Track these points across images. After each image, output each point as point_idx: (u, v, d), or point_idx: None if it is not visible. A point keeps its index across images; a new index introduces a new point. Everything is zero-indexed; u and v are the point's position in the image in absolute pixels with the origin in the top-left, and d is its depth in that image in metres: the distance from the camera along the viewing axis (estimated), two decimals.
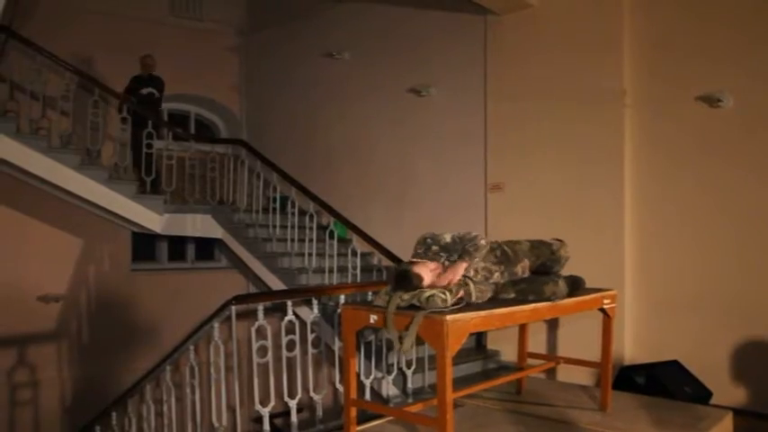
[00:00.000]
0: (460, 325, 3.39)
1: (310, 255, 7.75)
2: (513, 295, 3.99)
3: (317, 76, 9.79)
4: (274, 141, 10.23)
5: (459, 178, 7.90)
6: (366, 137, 8.78)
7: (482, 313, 3.56)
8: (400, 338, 3.46)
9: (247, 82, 11.22)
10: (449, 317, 3.35)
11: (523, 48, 7.26)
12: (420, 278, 3.61)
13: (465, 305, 3.66)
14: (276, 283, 7.89)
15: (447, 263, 3.81)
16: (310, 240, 7.76)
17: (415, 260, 3.79)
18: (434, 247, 3.87)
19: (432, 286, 3.61)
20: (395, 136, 8.59)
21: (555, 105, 6.93)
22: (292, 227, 7.95)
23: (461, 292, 3.68)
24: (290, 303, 5.32)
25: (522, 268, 4.08)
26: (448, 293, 3.58)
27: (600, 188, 6.65)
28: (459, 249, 3.83)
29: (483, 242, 3.82)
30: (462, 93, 7.89)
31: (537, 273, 4.15)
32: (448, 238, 3.88)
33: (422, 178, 8.32)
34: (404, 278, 3.60)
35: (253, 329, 5.09)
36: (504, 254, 4.01)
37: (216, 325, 5.29)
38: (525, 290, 4.01)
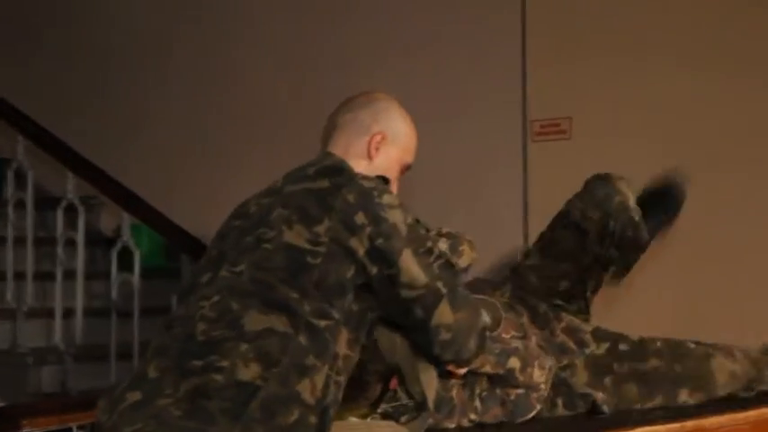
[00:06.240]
0: None
1: (68, 311, 3.32)
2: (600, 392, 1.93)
3: None
4: None
5: (466, 117, 3.40)
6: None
7: None
8: None
9: None
10: None
11: None
12: None
13: None
14: None
15: None
16: (67, 273, 3.34)
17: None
18: None
19: None
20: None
21: None
22: (18, 240, 3.40)
23: None
24: None
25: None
26: None
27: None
28: None
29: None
30: None
31: None
32: None
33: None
34: None
35: None
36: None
37: None
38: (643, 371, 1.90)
